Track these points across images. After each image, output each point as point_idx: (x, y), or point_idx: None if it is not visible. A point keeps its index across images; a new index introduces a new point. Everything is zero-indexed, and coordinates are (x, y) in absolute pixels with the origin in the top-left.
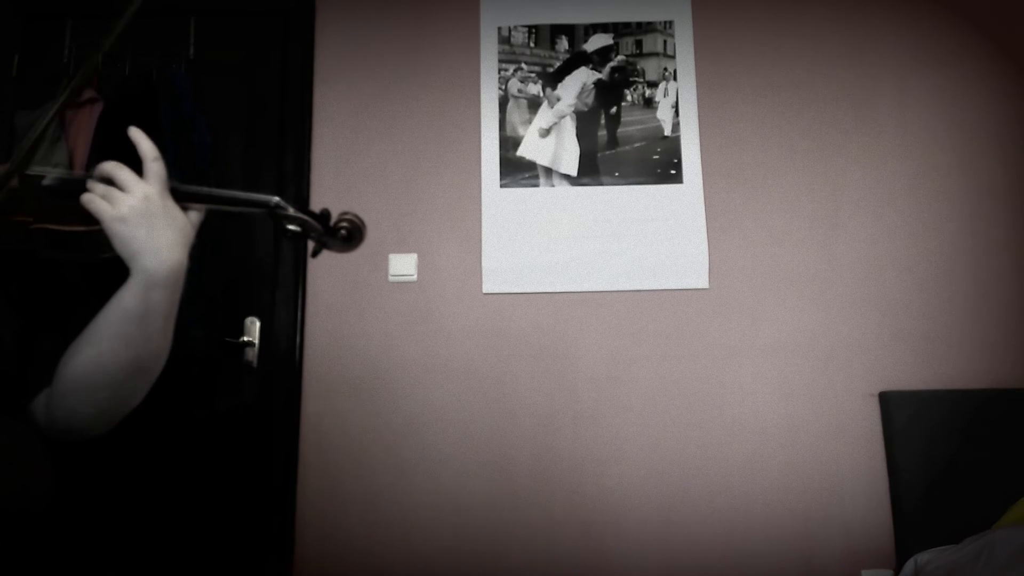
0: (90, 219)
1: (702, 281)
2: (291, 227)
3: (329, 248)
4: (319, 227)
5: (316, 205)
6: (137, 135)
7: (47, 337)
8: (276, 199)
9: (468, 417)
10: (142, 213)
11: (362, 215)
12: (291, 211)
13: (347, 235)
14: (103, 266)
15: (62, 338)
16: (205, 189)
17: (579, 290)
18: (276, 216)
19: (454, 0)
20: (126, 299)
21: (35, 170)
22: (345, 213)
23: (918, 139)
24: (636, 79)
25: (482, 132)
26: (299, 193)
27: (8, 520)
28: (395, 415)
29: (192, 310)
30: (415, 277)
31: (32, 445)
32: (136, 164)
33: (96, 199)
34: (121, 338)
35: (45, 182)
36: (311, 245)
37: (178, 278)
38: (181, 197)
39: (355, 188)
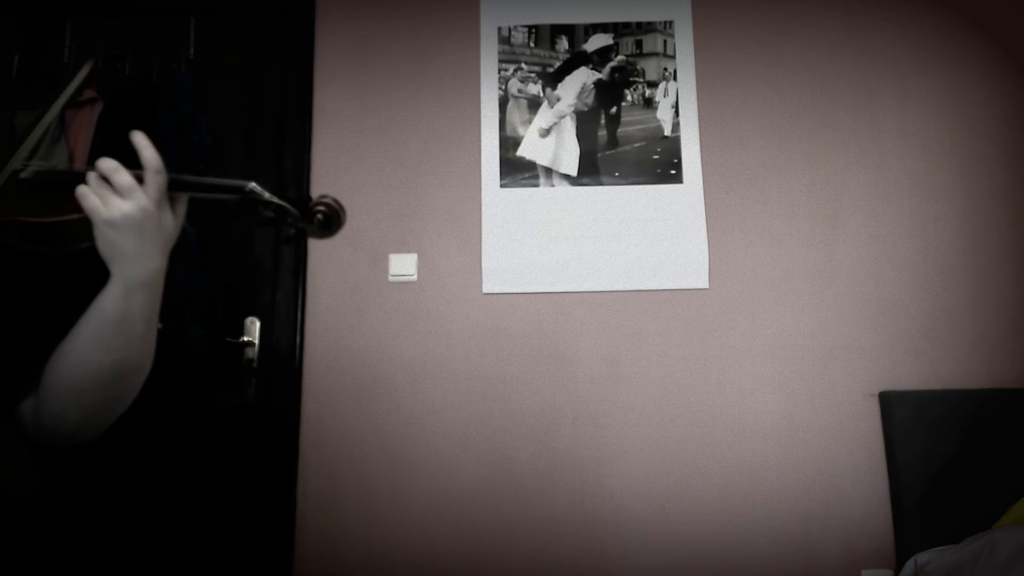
0: (62, 209)
1: (702, 281)
2: (266, 213)
3: (308, 235)
4: (295, 212)
5: None
6: (141, 141)
7: (36, 339)
8: (251, 184)
9: (468, 417)
10: (135, 222)
11: (362, 215)
12: (266, 196)
13: (324, 219)
14: (100, 264)
15: (53, 340)
16: (174, 176)
17: (579, 290)
18: (250, 202)
19: (454, 0)
20: (106, 304)
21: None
22: (323, 196)
23: (918, 139)
24: (636, 79)
25: (482, 132)
26: (299, 193)
27: None
28: (395, 415)
29: (192, 310)
30: (415, 277)
31: (15, 446)
32: (136, 164)
33: (90, 195)
34: (102, 343)
35: (23, 175)
36: (288, 230)
37: (158, 282)
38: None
39: (355, 188)
